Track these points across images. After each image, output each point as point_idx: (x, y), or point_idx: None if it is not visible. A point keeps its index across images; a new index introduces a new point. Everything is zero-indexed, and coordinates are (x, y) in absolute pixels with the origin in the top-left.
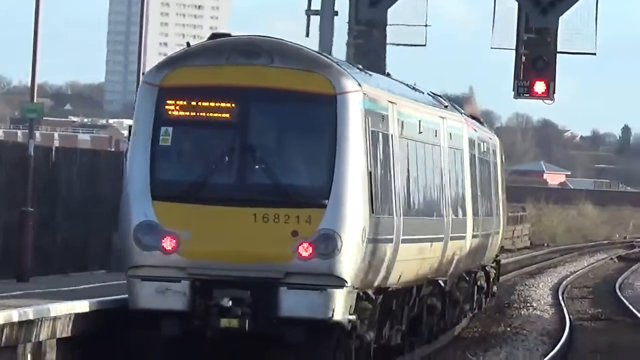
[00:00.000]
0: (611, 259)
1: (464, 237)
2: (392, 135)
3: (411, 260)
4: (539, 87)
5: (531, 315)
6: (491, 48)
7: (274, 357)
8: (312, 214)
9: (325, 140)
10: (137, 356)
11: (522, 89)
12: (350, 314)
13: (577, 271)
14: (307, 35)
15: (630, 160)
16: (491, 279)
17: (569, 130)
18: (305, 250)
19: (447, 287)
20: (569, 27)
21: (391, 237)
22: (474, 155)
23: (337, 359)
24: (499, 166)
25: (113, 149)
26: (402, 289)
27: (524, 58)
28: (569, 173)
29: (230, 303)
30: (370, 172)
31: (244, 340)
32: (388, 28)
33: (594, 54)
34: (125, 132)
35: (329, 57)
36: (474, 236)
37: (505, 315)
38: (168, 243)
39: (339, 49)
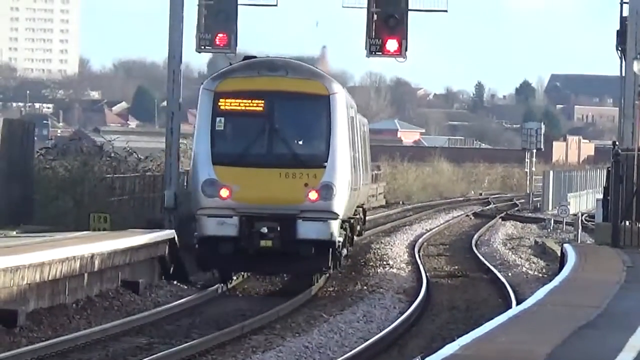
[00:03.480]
0: (467, 215)
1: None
2: (353, 120)
3: (358, 200)
4: (391, 45)
5: (388, 273)
6: (343, 7)
7: (293, 266)
8: (316, 172)
9: (323, 124)
10: (203, 266)
11: (374, 48)
12: (339, 236)
13: (433, 229)
14: None
15: (483, 117)
16: (364, 217)
17: (422, 89)
18: (313, 195)
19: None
20: None
21: (357, 186)
22: (358, 132)
23: (332, 265)
24: (367, 136)
25: None
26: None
27: (375, 16)
28: (423, 131)
29: (266, 230)
30: (351, 144)
31: (271, 254)
32: None
33: (445, 10)
34: None
35: (322, 70)
36: (363, 184)
37: (361, 274)
38: (224, 192)
39: (190, 9)
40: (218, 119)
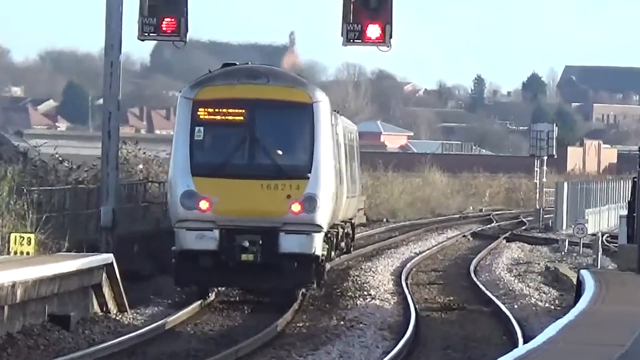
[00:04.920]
0: (464, 236)
1: (346, 197)
2: (337, 128)
3: (341, 211)
4: (373, 31)
5: (369, 305)
6: None
7: (274, 280)
8: (299, 183)
9: (306, 133)
10: (181, 282)
11: (353, 34)
12: (323, 250)
13: (423, 252)
14: None
15: (484, 118)
16: (353, 233)
17: (410, 83)
18: (296, 207)
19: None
20: None
21: (342, 197)
22: (343, 140)
23: (315, 280)
24: (356, 146)
25: None
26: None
27: None
28: (412, 134)
29: (247, 244)
30: (336, 154)
31: (252, 268)
32: None
33: None
34: None
35: (304, 77)
36: (347, 197)
37: (337, 307)
38: (203, 204)
39: None
40: (197, 128)
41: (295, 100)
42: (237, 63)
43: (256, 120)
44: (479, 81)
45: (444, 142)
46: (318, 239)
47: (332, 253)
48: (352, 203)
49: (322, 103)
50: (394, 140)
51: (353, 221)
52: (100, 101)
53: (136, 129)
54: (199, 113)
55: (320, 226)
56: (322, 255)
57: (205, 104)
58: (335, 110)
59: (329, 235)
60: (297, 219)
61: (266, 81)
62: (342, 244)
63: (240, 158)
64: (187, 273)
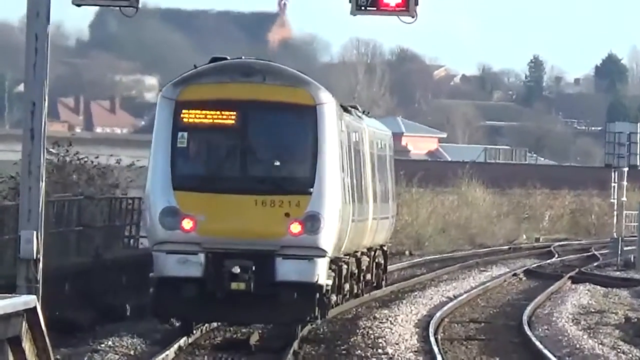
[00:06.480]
0: (515, 275)
1: (372, 218)
2: (345, 140)
3: (366, 235)
4: None
5: None
6: None
7: (270, 314)
8: (300, 200)
9: (308, 141)
10: (160, 314)
11: (365, 0)
12: (327, 279)
13: (459, 296)
14: None
15: (542, 115)
16: (385, 262)
17: (442, 67)
18: (295, 228)
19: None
20: None
21: (351, 218)
22: (374, 153)
23: (318, 314)
24: (388, 156)
25: None
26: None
27: None
28: (444, 136)
29: (238, 270)
30: (343, 166)
31: (243, 299)
32: None
33: None
34: None
35: (307, 76)
36: (375, 218)
37: None
38: (187, 224)
39: None
40: (180, 134)
41: (296, 101)
42: (228, 57)
43: (250, 124)
44: (536, 65)
45: (488, 146)
46: (322, 266)
47: (345, 286)
48: (382, 226)
49: (328, 105)
50: (420, 143)
51: (385, 248)
52: (21, 87)
53: (70, 126)
54: (182, 116)
55: (324, 250)
56: (327, 285)
57: (191, 105)
58: (364, 111)
59: (340, 264)
60: (297, 242)
61: (262, 79)
62: (369, 276)
63: (231, 169)
64: (168, 304)
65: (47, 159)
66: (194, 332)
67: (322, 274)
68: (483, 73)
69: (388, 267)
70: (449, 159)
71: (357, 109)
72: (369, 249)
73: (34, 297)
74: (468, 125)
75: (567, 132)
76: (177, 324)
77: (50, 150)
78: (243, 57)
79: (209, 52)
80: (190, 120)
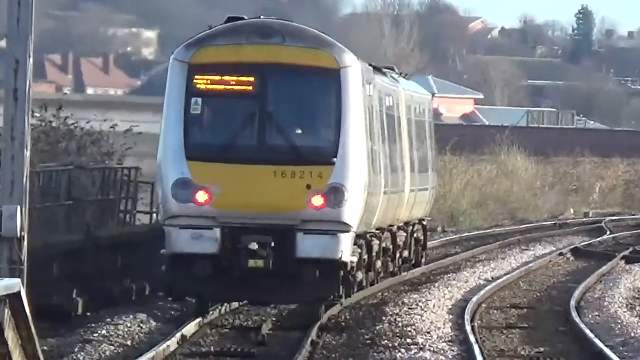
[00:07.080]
0: (561, 254)
1: (410, 190)
2: (376, 106)
3: (404, 208)
4: None
5: None
6: None
7: (290, 293)
8: (322, 171)
9: (332, 108)
10: (174, 294)
11: None
12: (352, 255)
13: (498, 278)
14: None
15: (592, 73)
16: (425, 239)
17: (479, 19)
18: (317, 201)
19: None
20: None
21: (383, 189)
22: (411, 119)
23: (343, 293)
24: (428, 123)
25: None
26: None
27: None
28: (481, 97)
29: (256, 246)
30: (373, 133)
31: (262, 278)
32: None
33: None
34: None
35: (330, 37)
36: (411, 190)
37: None
38: (201, 196)
39: None
40: (194, 100)
41: (319, 65)
42: (246, 17)
43: (269, 90)
44: (585, 16)
45: (531, 109)
46: (346, 241)
47: (377, 264)
48: (421, 198)
49: (353, 69)
50: (453, 106)
51: (425, 223)
52: (2, 43)
53: (58, 87)
54: (196, 81)
55: (348, 225)
56: (352, 262)
57: (205, 69)
58: (401, 73)
59: (370, 239)
60: (319, 216)
61: (282, 40)
62: (406, 253)
63: (249, 138)
64: (182, 283)
65: (32, 124)
66: (210, 312)
67: (346, 250)
68: (525, 26)
69: None
70: (487, 123)
71: (394, 70)
72: (407, 224)
73: (18, 280)
74: (508, 85)
75: (620, 92)
76: (193, 302)
77: (36, 114)
78: (262, 17)
79: (214, 3)
80: (205, 85)
